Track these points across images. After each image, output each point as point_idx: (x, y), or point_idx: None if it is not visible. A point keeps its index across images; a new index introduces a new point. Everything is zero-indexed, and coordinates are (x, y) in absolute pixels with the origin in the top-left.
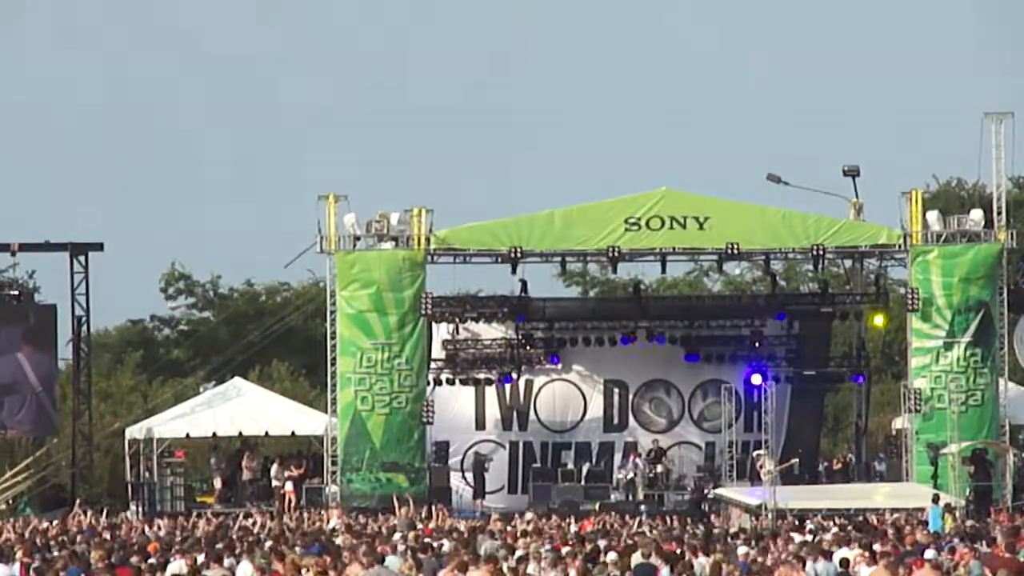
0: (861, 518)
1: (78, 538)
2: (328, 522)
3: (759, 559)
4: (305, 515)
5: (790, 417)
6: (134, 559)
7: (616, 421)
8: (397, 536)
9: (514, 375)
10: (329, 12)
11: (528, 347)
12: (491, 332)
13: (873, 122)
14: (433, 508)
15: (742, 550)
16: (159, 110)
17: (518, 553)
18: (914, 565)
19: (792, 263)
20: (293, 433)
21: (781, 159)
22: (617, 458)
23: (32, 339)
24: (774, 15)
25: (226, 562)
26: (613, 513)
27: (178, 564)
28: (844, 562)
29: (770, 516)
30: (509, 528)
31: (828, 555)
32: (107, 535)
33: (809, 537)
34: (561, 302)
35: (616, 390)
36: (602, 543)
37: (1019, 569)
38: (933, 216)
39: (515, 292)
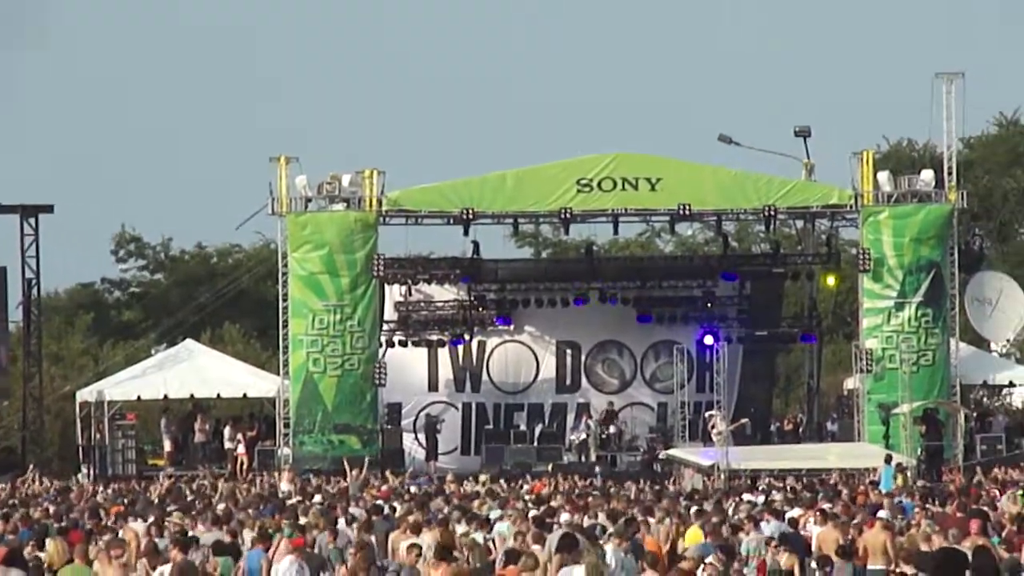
0: (813, 478)
1: (31, 501)
2: (280, 484)
3: (713, 519)
4: (257, 478)
5: (742, 378)
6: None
7: (569, 382)
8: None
9: (466, 336)
10: None
11: (480, 308)
12: (443, 294)
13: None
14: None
15: (694, 510)
16: (109, 72)
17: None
18: (865, 525)
19: (744, 224)
20: (245, 395)
21: (733, 120)
22: (570, 419)
23: None
24: None
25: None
26: (566, 474)
27: (139, 525)
28: (794, 522)
29: (722, 477)
30: (462, 490)
31: (780, 515)
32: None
33: (761, 497)
34: (513, 263)
35: (568, 351)
36: (554, 504)
37: (966, 526)
38: (884, 176)
39: (467, 254)
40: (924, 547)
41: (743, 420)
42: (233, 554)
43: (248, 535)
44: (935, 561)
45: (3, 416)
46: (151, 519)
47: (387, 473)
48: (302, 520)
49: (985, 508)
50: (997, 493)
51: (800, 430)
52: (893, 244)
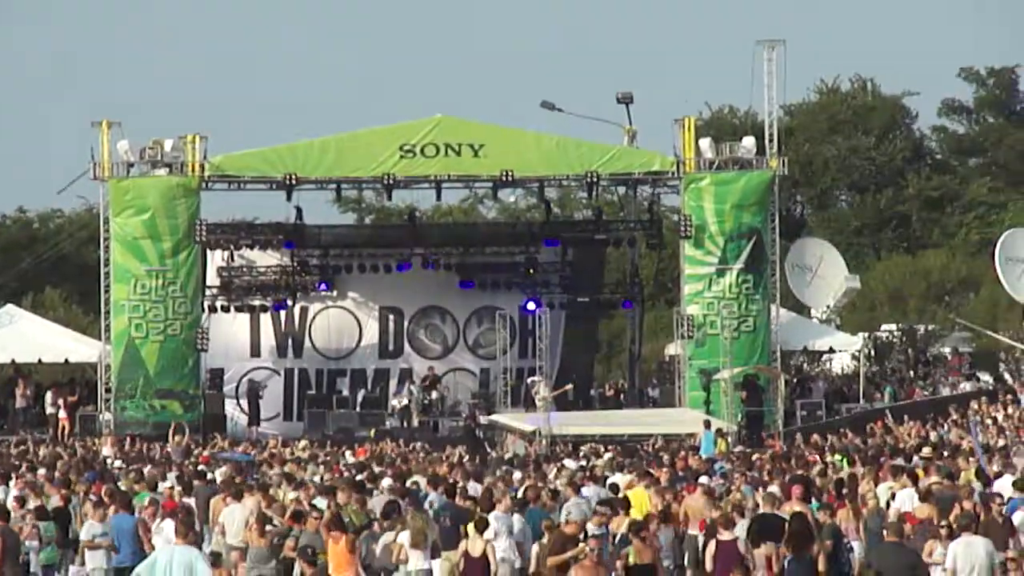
0: (634, 444)
1: None
2: (101, 449)
3: (536, 484)
4: (79, 443)
5: (564, 344)
6: None
7: (391, 348)
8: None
9: (289, 302)
10: None
11: (303, 274)
12: (266, 259)
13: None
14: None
15: (517, 475)
16: None
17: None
18: (686, 490)
19: (566, 190)
20: (67, 360)
21: (555, 86)
22: (392, 385)
23: None
24: None
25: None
26: (388, 440)
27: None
28: (615, 487)
29: (544, 442)
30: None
31: (601, 481)
32: None
33: (583, 463)
34: (336, 229)
35: (391, 317)
36: (377, 469)
37: (787, 492)
38: (705, 143)
39: (290, 219)
40: (744, 512)
41: (566, 386)
42: (60, 519)
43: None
44: (752, 525)
45: None
46: None
47: (216, 436)
48: (121, 485)
49: (804, 473)
50: (817, 458)
51: (622, 396)
52: (714, 211)
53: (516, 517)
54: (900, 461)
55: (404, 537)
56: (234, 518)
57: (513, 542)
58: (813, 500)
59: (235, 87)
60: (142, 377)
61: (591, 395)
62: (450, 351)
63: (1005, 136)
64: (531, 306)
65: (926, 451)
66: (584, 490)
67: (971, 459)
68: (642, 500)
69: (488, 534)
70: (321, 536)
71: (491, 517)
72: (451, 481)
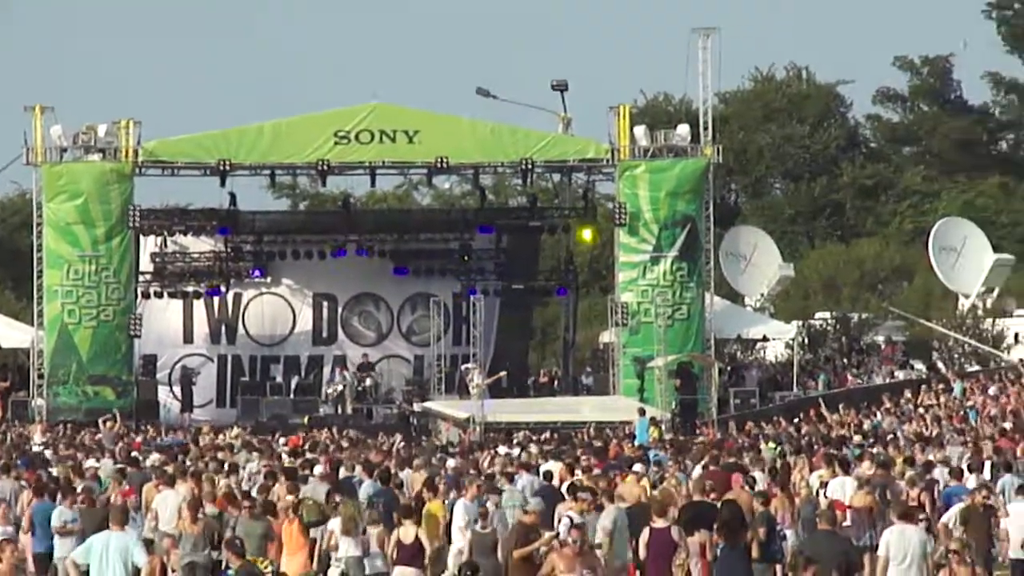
0: (568, 431)
1: None
2: (33, 436)
3: (470, 471)
4: (11, 430)
5: (498, 331)
6: None
7: (325, 335)
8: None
9: (222, 288)
10: None
11: (237, 260)
12: (200, 245)
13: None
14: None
15: (451, 463)
16: None
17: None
18: (619, 477)
19: (501, 177)
20: None
21: (490, 73)
22: (326, 372)
23: None
24: None
25: None
26: (322, 427)
27: None
28: (548, 475)
29: (478, 430)
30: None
31: (534, 469)
32: None
33: (516, 451)
34: (270, 215)
35: (325, 303)
36: (310, 456)
37: (723, 480)
38: (640, 131)
39: (224, 205)
40: (677, 500)
41: (500, 373)
42: None
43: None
44: (685, 513)
45: None
46: None
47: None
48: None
49: (739, 461)
50: (750, 446)
51: (556, 383)
52: (649, 198)
53: (489, 504)
54: (833, 449)
55: (335, 524)
56: (167, 505)
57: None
58: (746, 488)
59: (169, 72)
60: (75, 363)
61: (525, 383)
62: (384, 338)
63: (939, 125)
64: (465, 293)
65: (858, 439)
66: (517, 478)
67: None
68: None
69: (458, 521)
70: (257, 524)
71: (459, 504)
72: (385, 468)
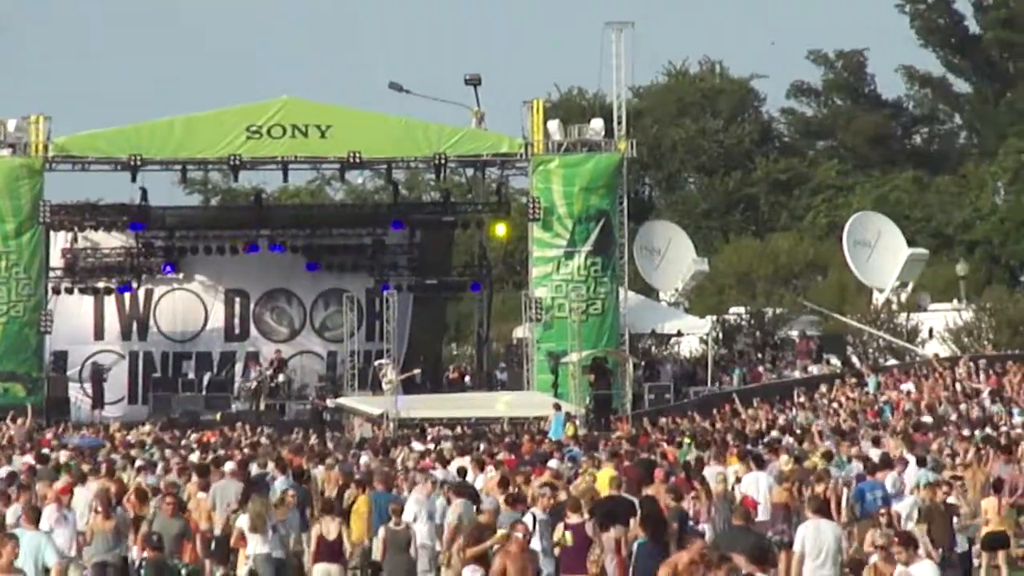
0: (482, 427)
1: None
2: None
3: (384, 469)
4: None
5: (412, 326)
6: None
7: (238, 331)
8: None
9: (134, 284)
10: None
11: (148, 256)
12: (111, 240)
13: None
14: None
15: (364, 459)
16: None
17: (138, 463)
18: (534, 472)
19: (414, 172)
20: None
21: (403, 68)
22: (239, 368)
23: None
24: None
25: None
26: (234, 423)
27: None
28: (462, 471)
29: (392, 425)
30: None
31: (447, 464)
32: None
33: (430, 446)
34: (182, 210)
35: (237, 299)
36: (222, 453)
37: (638, 476)
38: (554, 125)
39: (135, 200)
40: (591, 495)
41: (414, 371)
42: None
43: None
44: (602, 508)
45: None
46: None
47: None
48: None
49: (654, 457)
50: (664, 443)
51: (467, 379)
52: (563, 193)
53: (439, 501)
54: (747, 445)
55: (243, 521)
56: (78, 502)
57: (433, 526)
58: (660, 483)
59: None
60: None
61: (439, 378)
62: (297, 334)
63: (853, 119)
64: (378, 288)
65: (773, 434)
66: (431, 473)
67: (818, 442)
68: (491, 486)
69: (407, 516)
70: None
71: (411, 500)
72: (298, 465)
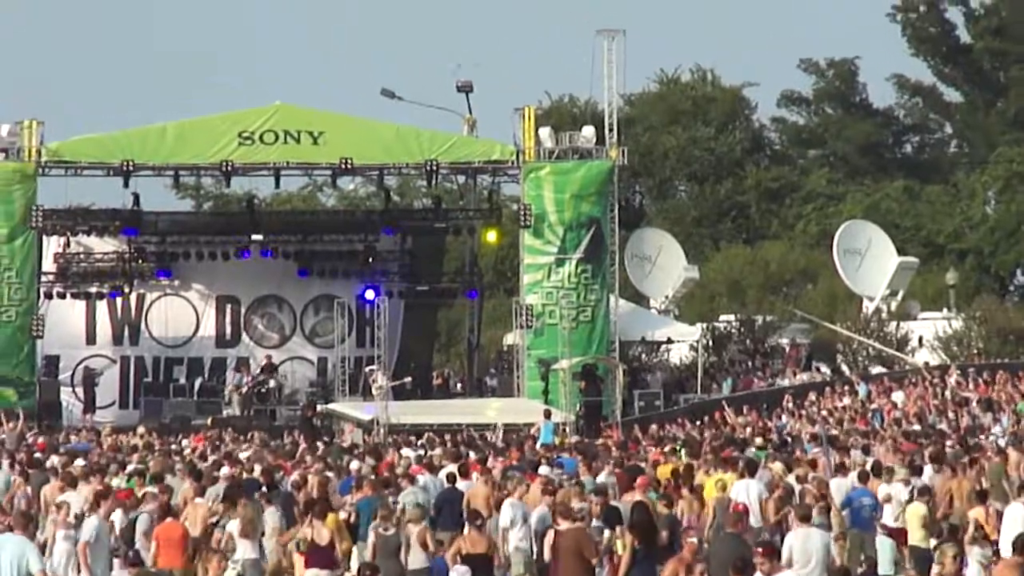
0: (472, 433)
1: None
2: None
3: (372, 475)
4: None
5: (403, 333)
6: None
7: (228, 336)
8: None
9: (125, 289)
10: None
11: (140, 261)
12: (103, 246)
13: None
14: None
15: (354, 465)
16: None
17: (130, 467)
18: (526, 479)
19: (406, 179)
20: None
21: (395, 74)
22: (229, 373)
23: None
24: None
25: None
26: (225, 428)
27: None
28: (451, 477)
29: (382, 431)
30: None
31: (437, 470)
32: None
33: (420, 452)
34: (174, 216)
35: (228, 305)
36: (212, 458)
37: (627, 483)
38: (545, 132)
39: (127, 205)
40: (580, 503)
41: (406, 379)
42: None
43: None
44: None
45: None
46: None
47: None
48: None
49: (642, 464)
50: (653, 449)
51: (460, 385)
52: (554, 200)
53: (540, 508)
54: (736, 452)
55: (233, 526)
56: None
57: (529, 530)
58: (651, 491)
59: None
60: None
61: (430, 385)
62: (287, 340)
63: (844, 128)
64: (370, 294)
65: (759, 441)
66: (421, 479)
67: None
68: (477, 493)
69: (503, 522)
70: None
71: (507, 504)
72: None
